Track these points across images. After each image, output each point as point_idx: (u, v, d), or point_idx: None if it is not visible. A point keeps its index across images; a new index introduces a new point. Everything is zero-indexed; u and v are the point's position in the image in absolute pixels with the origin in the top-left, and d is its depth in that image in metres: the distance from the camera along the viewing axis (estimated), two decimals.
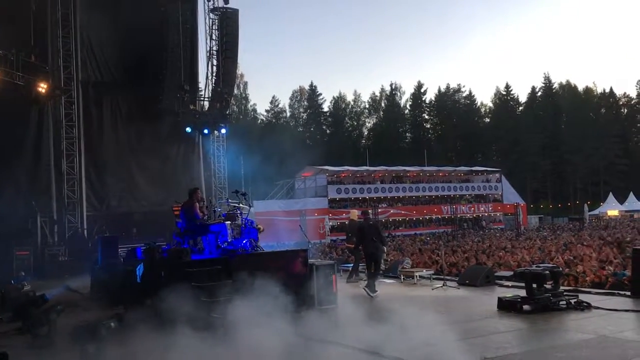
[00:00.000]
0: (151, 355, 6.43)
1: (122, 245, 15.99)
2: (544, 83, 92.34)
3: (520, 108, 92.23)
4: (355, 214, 13.83)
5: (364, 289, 11.41)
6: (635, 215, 61.98)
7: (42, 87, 21.32)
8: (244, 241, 11.64)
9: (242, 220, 12.11)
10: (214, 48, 27.44)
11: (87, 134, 23.75)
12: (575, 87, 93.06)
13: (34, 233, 20.54)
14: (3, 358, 2.85)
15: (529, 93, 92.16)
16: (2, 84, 19.70)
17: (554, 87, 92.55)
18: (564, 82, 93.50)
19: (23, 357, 6.79)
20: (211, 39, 27.50)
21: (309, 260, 10.48)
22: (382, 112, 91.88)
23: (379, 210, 44.66)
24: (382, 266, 13.81)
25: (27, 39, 22.05)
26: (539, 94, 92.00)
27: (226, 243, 11.27)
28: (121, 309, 9.30)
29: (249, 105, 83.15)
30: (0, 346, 6.25)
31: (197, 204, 11.66)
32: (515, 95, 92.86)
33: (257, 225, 12.81)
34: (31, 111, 22.38)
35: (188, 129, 26.31)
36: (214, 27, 27.50)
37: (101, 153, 24.15)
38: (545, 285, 8.98)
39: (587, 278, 12.39)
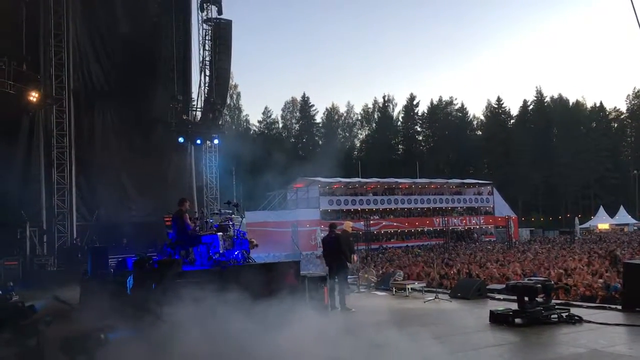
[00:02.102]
0: None
1: (112, 255, 15.88)
2: (535, 97, 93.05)
3: (512, 121, 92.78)
4: (349, 225, 13.75)
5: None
6: (626, 229, 62.33)
7: (34, 96, 21.26)
8: (236, 252, 11.58)
9: (234, 231, 12.06)
10: (207, 58, 27.47)
11: (78, 143, 23.66)
12: (566, 101, 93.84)
13: (23, 243, 20.37)
14: None
15: (521, 106, 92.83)
16: None
17: (545, 100, 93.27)
18: (555, 95, 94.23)
19: None
20: (204, 49, 27.54)
21: (301, 272, 10.46)
22: (374, 124, 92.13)
23: (371, 222, 44.62)
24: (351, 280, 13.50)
25: (19, 48, 22.01)
26: (531, 107, 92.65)
27: (218, 254, 11.21)
28: (112, 321, 9.19)
29: (241, 116, 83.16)
30: None
31: (187, 214, 11.61)
32: (507, 109, 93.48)
33: (251, 240, 12.75)
34: (22, 120, 22.30)
35: (180, 139, 26.27)
36: (207, 38, 27.54)
37: (92, 163, 24.02)
38: (537, 299, 8.98)
39: (579, 291, 12.42)
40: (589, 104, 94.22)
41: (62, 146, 22.92)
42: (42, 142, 22.78)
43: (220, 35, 27.18)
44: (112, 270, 13.78)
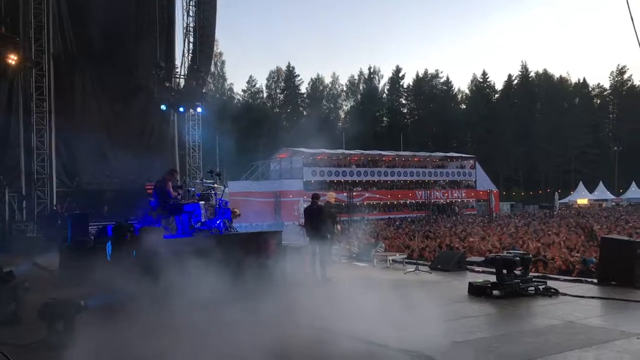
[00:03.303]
0: (121, 334, 6.36)
1: (92, 223, 15.77)
2: (520, 71, 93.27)
3: (496, 96, 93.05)
4: (332, 196, 13.74)
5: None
6: (604, 205, 63.35)
7: (12, 59, 20.73)
8: (218, 222, 11.56)
9: (216, 200, 12.02)
10: (191, 24, 26.97)
11: (58, 108, 23.20)
12: (551, 77, 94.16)
13: (1, 208, 20.14)
14: None
15: (505, 81, 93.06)
16: None
17: (530, 75, 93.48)
18: (540, 71, 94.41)
19: None
20: (188, 15, 27.01)
21: (283, 242, 10.48)
22: (359, 96, 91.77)
23: (354, 193, 44.78)
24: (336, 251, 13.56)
25: None
26: (515, 82, 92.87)
27: (199, 223, 11.19)
28: (91, 288, 9.16)
29: (225, 85, 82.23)
30: None
31: (170, 183, 11.54)
32: (492, 83, 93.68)
33: (233, 209, 12.74)
34: (0, 84, 21.81)
35: (163, 107, 25.86)
36: (191, 4, 26.99)
37: (72, 128, 23.53)
38: (515, 272, 9.12)
39: (556, 265, 12.63)
40: (573, 80, 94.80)
41: (42, 111, 22.50)
42: (21, 107, 22.35)
43: (205, 1, 26.64)
44: (92, 237, 13.70)
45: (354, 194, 44.60)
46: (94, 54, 24.69)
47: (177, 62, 27.89)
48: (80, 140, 23.59)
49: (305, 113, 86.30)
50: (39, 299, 6.78)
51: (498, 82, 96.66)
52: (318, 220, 11.31)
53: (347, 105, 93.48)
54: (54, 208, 21.96)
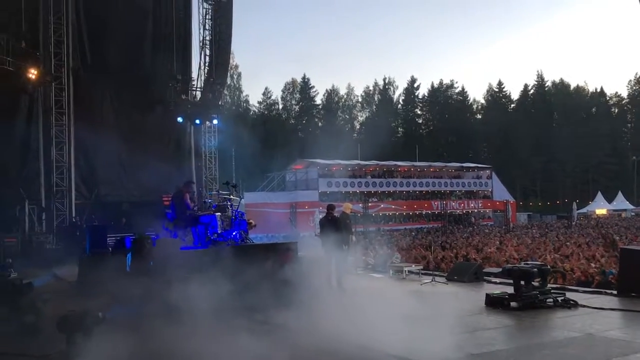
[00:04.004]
0: (139, 344, 6.41)
1: (111, 234, 15.89)
2: (536, 81, 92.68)
3: (512, 105, 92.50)
4: (348, 206, 13.75)
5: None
6: (623, 215, 62.46)
7: (33, 73, 21.16)
8: (234, 233, 11.62)
9: (232, 211, 12.09)
10: (207, 38, 27.26)
11: (77, 121, 23.50)
12: (567, 86, 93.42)
13: (21, 220, 20.40)
14: None
15: (522, 91, 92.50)
16: None
17: (546, 85, 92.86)
18: (557, 80, 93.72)
19: (9, 345, 6.74)
20: (204, 28, 27.31)
21: (299, 253, 10.49)
22: (374, 107, 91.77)
23: (369, 204, 44.71)
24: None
25: (18, 25, 21.82)
26: (531, 91, 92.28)
27: (216, 234, 11.25)
28: (109, 299, 9.25)
29: (242, 97, 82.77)
30: None
31: (187, 194, 11.65)
32: (508, 93, 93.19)
33: (249, 220, 12.80)
34: (21, 98, 22.19)
35: (179, 119, 26.16)
36: (207, 17, 27.31)
37: (91, 141, 23.80)
38: (533, 283, 9.03)
39: (575, 276, 12.49)
40: (591, 89, 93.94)
41: (61, 124, 22.82)
42: (41, 120, 22.69)
43: (221, 15, 26.96)
44: (110, 249, 13.82)
45: (370, 204, 44.53)
46: (112, 67, 25.01)
47: (194, 75, 28.21)
48: (98, 153, 23.91)
49: (320, 124, 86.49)
50: (58, 310, 6.87)
51: (514, 91, 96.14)
52: (334, 231, 11.33)
53: (362, 116, 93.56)
54: (73, 220, 22.19)
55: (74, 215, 22.69)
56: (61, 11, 22.64)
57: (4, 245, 17.75)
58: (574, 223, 43.22)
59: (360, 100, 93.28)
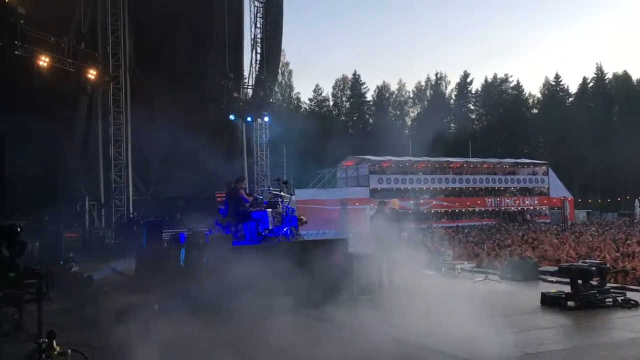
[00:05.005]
0: (193, 338, 6.55)
1: (166, 229, 16.31)
2: (595, 74, 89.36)
3: (570, 99, 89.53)
4: (396, 203, 13.65)
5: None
6: None
7: (92, 74, 21.93)
8: (285, 229, 11.71)
9: (283, 208, 12.19)
10: (259, 36, 27.60)
11: (133, 120, 24.25)
12: (629, 78, 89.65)
13: (82, 216, 21.20)
14: (51, 336, 2.99)
15: (580, 84, 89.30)
16: (54, 70, 20.33)
17: (606, 77, 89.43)
18: (619, 72, 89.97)
19: (70, 335, 7.01)
20: (256, 26, 27.67)
21: (350, 250, 10.49)
22: (426, 102, 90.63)
23: (421, 201, 44.21)
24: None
25: (78, 27, 22.65)
26: (590, 84, 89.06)
27: (267, 230, 11.37)
28: (164, 292, 9.51)
29: (292, 94, 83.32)
30: (48, 324, 6.47)
31: (242, 190, 11.84)
32: (565, 86, 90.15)
33: (300, 217, 12.87)
34: (81, 97, 23.03)
35: (232, 117, 26.58)
36: (258, 15, 27.64)
37: (147, 138, 24.54)
38: (591, 282, 8.74)
39: (637, 275, 12.00)
40: None
41: (119, 123, 23.60)
42: (100, 119, 23.51)
43: (272, 13, 27.24)
44: (166, 243, 14.20)
45: (421, 201, 44.04)
46: (166, 66, 25.64)
47: (245, 73, 28.62)
48: (154, 150, 24.59)
49: (371, 120, 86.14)
50: (117, 303, 7.11)
51: (572, 85, 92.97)
52: (385, 227, 11.26)
53: (413, 112, 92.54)
54: (131, 216, 22.91)
55: (131, 211, 23.42)
56: (118, 12, 23.39)
57: (66, 240, 18.50)
58: (636, 221, 41.53)
59: (411, 95, 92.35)
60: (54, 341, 3.16)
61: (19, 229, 7.58)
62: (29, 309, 7.28)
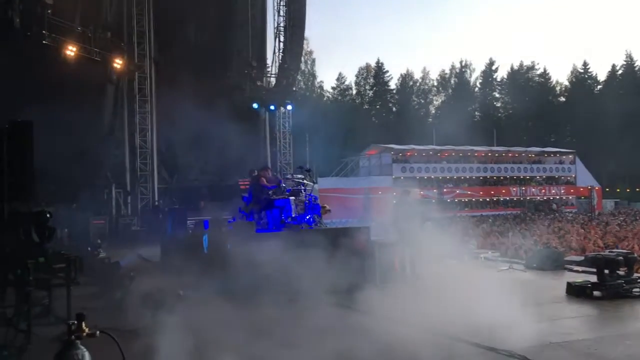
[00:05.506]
0: (217, 323, 6.64)
1: (190, 217, 16.49)
2: (625, 61, 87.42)
3: (599, 87, 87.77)
4: (417, 192, 13.60)
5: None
6: None
7: (118, 63, 22.17)
8: (308, 217, 11.75)
9: (306, 196, 12.22)
10: (282, 24, 27.59)
11: (158, 109, 24.47)
12: None
13: (109, 203, 21.56)
14: (80, 318, 3.07)
15: (609, 71, 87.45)
16: (81, 60, 20.60)
17: (636, 65, 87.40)
18: None
19: (98, 319, 7.16)
20: (279, 15, 27.67)
21: (372, 238, 10.50)
22: (450, 90, 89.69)
23: (445, 190, 43.91)
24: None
25: (104, 17, 22.90)
26: (619, 72, 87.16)
27: (290, 218, 11.42)
28: (189, 278, 9.63)
29: (315, 82, 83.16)
30: (77, 308, 6.62)
31: (264, 178, 11.90)
32: (594, 74, 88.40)
33: (323, 205, 12.89)
34: (107, 87, 23.32)
35: (255, 105, 26.66)
36: (281, 4, 27.60)
37: (171, 128, 24.75)
38: (618, 272, 8.63)
39: None
40: None
41: (144, 112, 23.85)
42: (126, 108, 23.78)
43: (295, 1, 27.16)
44: (190, 230, 14.36)
45: (445, 190, 43.74)
46: (190, 55, 25.80)
47: (268, 62, 28.66)
48: (178, 139, 24.78)
49: (394, 109, 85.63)
50: (143, 288, 7.23)
51: (600, 73, 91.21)
52: (408, 216, 11.24)
53: (437, 100, 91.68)
54: (156, 203, 23.21)
55: (156, 198, 23.73)
56: (143, 2, 23.55)
57: (94, 227, 18.85)
58: None
59: (435, 84, 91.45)
60: (83, 323, 3.23)
61: (48, 215, 7.75)
62: (58, 293, 7.45)
